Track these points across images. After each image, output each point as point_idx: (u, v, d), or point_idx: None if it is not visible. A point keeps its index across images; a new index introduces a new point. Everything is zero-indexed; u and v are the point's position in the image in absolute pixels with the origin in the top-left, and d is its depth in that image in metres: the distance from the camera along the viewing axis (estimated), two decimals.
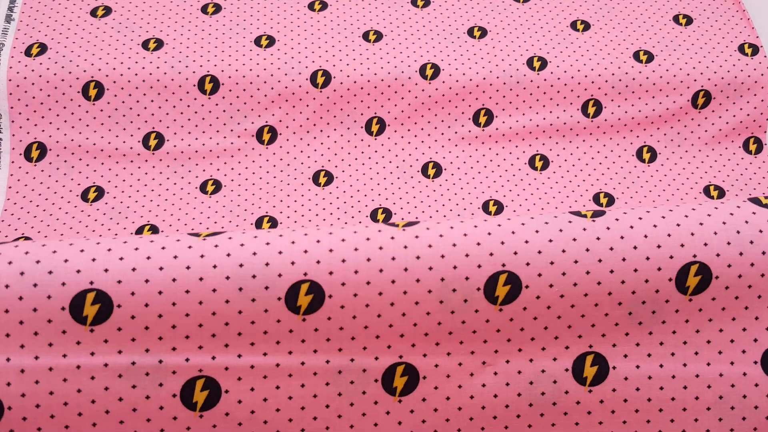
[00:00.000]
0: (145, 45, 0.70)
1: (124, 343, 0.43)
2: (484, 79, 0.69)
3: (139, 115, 0.68)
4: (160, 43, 0.70)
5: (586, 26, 0.73)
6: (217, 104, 0.68)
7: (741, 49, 0.71)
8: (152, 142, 0.68)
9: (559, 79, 0.69)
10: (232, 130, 0.69)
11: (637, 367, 0.47)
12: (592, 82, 0.69)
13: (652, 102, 0.69)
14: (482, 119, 0.70)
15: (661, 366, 0.47)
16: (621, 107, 0.69)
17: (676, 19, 0.74)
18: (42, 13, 0.71)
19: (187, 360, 0.44)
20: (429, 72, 0.69)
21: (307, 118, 0.69)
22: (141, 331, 0.43)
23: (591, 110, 0.69)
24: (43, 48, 0.68)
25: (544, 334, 0.46)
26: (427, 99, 0.69)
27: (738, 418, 0.46)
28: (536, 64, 0.70)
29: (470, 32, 0.73)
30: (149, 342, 0.44)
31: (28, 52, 0.68)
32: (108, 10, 0.72)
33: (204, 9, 0.73)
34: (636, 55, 0.71)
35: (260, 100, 0.68)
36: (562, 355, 0.47)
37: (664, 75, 0.69)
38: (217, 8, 0.74)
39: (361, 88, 0.69)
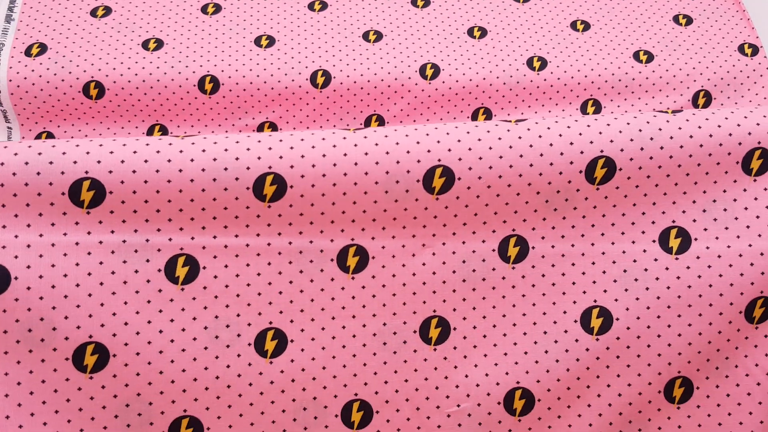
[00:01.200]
0: (145, 45, 0.70)
1: (115, 224, 0.51)
2: (484, 79, 0.69)
3: (141, 110, 0.69)
4: (160, 43, 0.70)
5: (586, 26, 0.74)
6: (217, 103, 0.69)
7: (741, 49, 0.71)
8: (156, 134, 0.69)
9: (559, 79, 0.69)
10: (233, 125, 0.70)
11: (553, 246, 0.55)
12: (592, 82, 0.69)
13: (652, 102, 0.70)
14: (481, 119, 0.70)
15: (573, 246, 0.55)
16: (621, 107, 0.70)
17: (676, 19, 0.74)
18: (42, 13, 0.72)
19: (170, 240, 0.52)
20: (429, 72, 0.69)
21: (307, 115, 0.70)
22: (130, 214, 0.51)
23: (590, 110, 0.70)
24: (43, 48, 0.69)
25: (474, 219, 0.54)
26: (426, 99, 0.69)
27: (642, 288, 0.55)
28: (536, 64, 0.70)
29: (470, 32, 0.73)
30: (137, 223, 0.51)
31: (28, 52, 0.68)
32: (108, 10, 0.73)
33: (204, 9, 0.74)
34: (636, 55, 0.71)
35: (260, 100, 0.69)
36: (489, 237, 0.55)
37: (664, 75, 0.69)
38: (217, 8, 0.74)
39: (361, 88, 0.69)
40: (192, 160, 0.51)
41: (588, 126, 0.54)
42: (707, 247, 0.54)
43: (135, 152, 0.51)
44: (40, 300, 0.50)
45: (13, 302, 0.49)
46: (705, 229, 0.54)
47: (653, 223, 0.55)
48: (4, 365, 0.49)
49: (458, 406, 0.54)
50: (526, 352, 0.55)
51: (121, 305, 0.51)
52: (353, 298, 0.54)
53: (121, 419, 0.51)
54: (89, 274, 0.50)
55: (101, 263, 0.51)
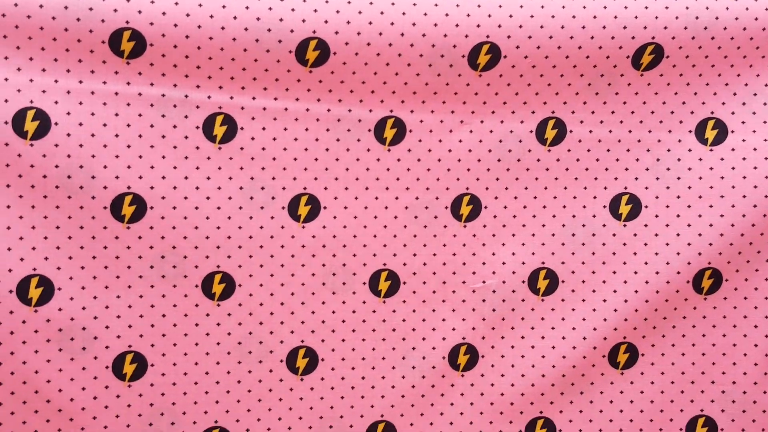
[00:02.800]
0: None
1: (155, 77, 0.50)
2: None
3: None
4: None
5: None
6: None
7: None
8: None
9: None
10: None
11: (590, 131, 0.55)
12: None
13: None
14: None
15: (611, 132, 0.55)
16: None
17: None
18: None
19: (209, 97, 0.51)
20: None
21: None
22: (170, 68, 0.50)
23: None
24: None
25: (515, 99, 0.54)
26: None
27: (673, 177, 0.55)
28: None
29: None
30: (177, 78, 0.50)
31: None
32: None
33: None
34: None
35: None
36: (528, 118, 0.55)
37: None
38: None
39: None
40: (235, 18, 0.50)
41: (646, 8, 0.52)
42: (743, 140, 0.54)
43: (177, 4, 0.49)
44: (80, 147, 0.50)
45: (53, 147, 0.49)
46: (743, 122, 0.54)
47: (692, 113, 0.55)
48: (43, 209, 0.50)
49: (483, 282, 0.56)
50: (553, 234, 0.56)
51: (159, 159, 0.51)
52: (388, 170, 0.54)
53: (156, 270, 0.52)
54: (128, 125, 0.50)
55: (140, 115, 0.50)
